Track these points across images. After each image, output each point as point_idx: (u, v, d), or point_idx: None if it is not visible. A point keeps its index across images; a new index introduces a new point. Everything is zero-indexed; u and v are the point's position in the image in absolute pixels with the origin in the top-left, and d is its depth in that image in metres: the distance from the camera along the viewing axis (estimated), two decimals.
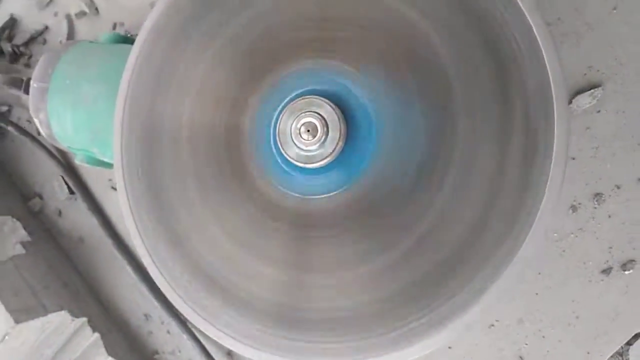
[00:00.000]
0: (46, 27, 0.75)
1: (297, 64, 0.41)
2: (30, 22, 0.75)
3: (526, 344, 0.61)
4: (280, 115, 0.39)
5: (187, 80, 0.42)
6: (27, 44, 0.75)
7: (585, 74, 0.59)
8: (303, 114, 0.38)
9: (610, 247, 0.59)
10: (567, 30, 0.59)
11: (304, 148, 0.38)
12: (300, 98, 0.39)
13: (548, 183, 0.34)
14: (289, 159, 0.39)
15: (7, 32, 0.75)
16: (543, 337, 0.61)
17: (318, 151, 0.38)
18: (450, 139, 0.36)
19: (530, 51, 0.34)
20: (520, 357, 0.61)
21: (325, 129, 0.37)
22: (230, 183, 0.42)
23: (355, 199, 0.39)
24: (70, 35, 0.73)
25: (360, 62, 0.39)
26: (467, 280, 0.35)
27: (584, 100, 0.58)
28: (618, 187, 0.59)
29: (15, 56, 0.75)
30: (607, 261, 0.59)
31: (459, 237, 0.36)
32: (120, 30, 0.71)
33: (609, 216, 0.59)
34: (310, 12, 0.40)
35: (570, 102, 0.59)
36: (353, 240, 0.39)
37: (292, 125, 0.38)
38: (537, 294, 0.60)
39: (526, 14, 0.34)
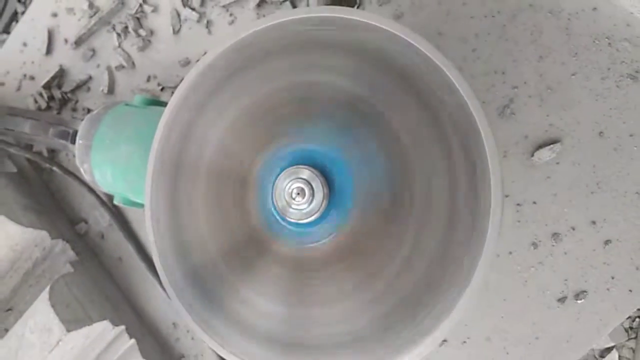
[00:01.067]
0: (90, 77, 0.86)
1: (289, 138, 0.49)
2: (77, 72, 0.87)
3: (493, 359, 0.72)
4: (277, 179, 0.47)
5: (209, 135, 0.50)
6: (73, 91, 0.87)
7: (546, 131, 0.69)
8: (294, 180, 0.46)
9: (566, 280, 0.69)
10: (532, 93, 0.69)
11: (295, 207, 0.46)
12: (293, 166, 0.47)
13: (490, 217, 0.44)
14: (282, 215, 0.47)
15: (56, 80, 0.88)
16: (507, 353, 0.71)
17: (307, 210, 0.46)
18: (408, 189, 0.45)
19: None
20: None
21: (311, 191, 0.46)
22: (234, 223, 0.50)
23: (340, 246, 0.47)
24: (111, 84, 0.85)
25: (333, 132, 0.48)
26: (435, 304, 0.46)
27: (545, 154, 0.68)
28: (573, 229, 0.68)
29: (64, 101, 0.87)
30: (563, 291, 0.69)
31: (425, 271, 0.46)
32: (154, 83, 0.83)
33: (565, 253, 0.69)
34: (287, 98, 0.49)
35: (532, 154, 0.69)
36: (340, 279, 0.47)
37: (285, 188, 0.46)
38: (502, 317, 0.71)
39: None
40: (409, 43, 0.45)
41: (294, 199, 0.47)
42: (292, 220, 0.47)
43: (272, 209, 0.49)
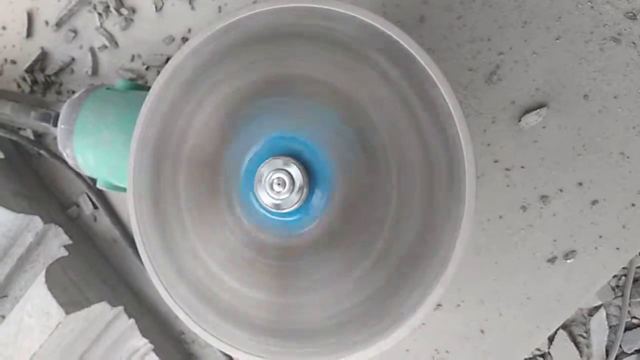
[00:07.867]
0: (73, 59, 0.85)
1: (267, 127, 0.49)
2: (59, 54, 0.86)
3: (486, 320, 0.74)
4: (257, 170, 0.47)
5: (192, 120, 0.50)
6: (57, 73, 0.86)
7: (532, 95, 0.70)
8: (274, 171, 0.46)
9: (555, 240, 0.71)
10: (518, 58, 0.70)
11: (276, 198, 0.46)
12: (272, 157, 0.47)
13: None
14: (264, 205, 0.47)
15: (39, 63, 0.86)
16: (500, 314, 0.73)
17: (287, 200, 0.46)
18: (384, 163, 0.46)
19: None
20: (482, 331, 0.74)
21: (291, 181, 0.46)
22: (217, 213, 0.50)
23: (325, 230, 0.48)
24: (95, 66, 0.84)
25: (319, 129, 0.48)
26: (417, 284, 0.47)
27: (532, 118, 0.69)
28: (561, 190, 0.70)
29: (48, 85, 0.86)
30: (552, 252, 0.71)
31: (406, 249, 0.47)
32: (139, 62, 0.82)
33: (554, 214, 0.70)
34: (266, 87, 0.49)
35: (520, 120, 0.70)
36: (327, 262, 0.48)
37: (266, 179, 0.46)
38: (494, 279, 0.73)
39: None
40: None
41: (274, 189, 0.47)
42: (275, 211, 0.48)
43: (254, 199, 0.49)
